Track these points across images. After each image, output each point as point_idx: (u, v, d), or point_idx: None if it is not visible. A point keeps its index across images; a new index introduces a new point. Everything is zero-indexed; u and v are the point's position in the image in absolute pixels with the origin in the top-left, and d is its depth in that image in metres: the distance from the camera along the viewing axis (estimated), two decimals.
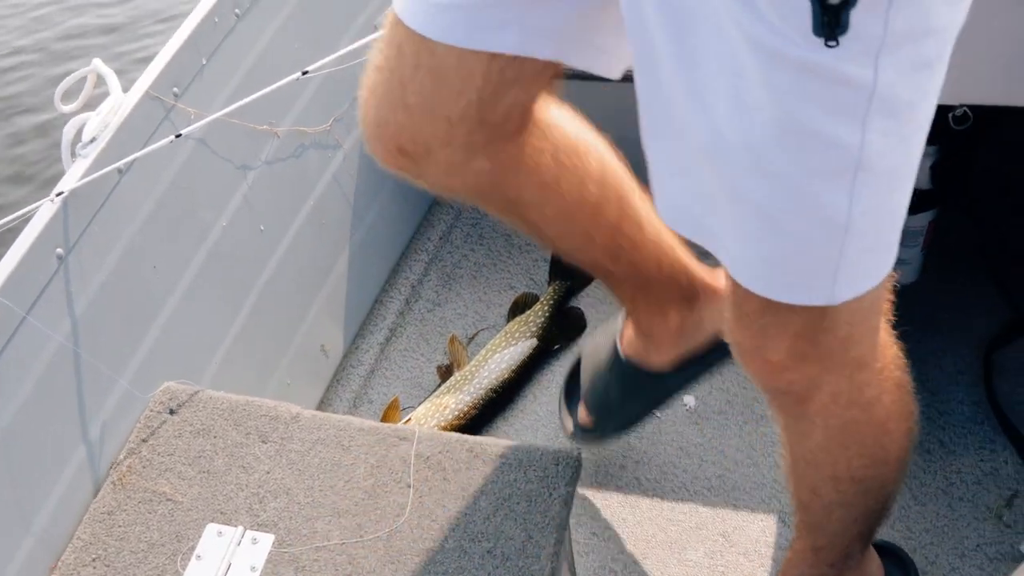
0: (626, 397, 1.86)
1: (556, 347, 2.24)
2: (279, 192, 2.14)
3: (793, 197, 1.04)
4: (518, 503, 1.62)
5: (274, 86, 1.83)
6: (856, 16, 0.89)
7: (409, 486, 1.66)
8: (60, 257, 1.71)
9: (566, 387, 2.04)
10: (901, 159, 1.05)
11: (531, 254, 2.44)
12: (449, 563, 1.56)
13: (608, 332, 1.88)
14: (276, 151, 2.14)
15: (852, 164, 1.00)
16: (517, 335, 2.19)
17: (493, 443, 1.69)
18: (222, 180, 2.03)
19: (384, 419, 2.12)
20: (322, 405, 2.23)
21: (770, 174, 1.03)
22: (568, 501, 1.62)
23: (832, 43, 0.90)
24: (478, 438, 1.70)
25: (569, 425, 1.99)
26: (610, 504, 2.00)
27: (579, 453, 1.66)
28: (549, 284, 2.33)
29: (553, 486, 1.63)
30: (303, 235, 2.19)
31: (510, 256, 2.46)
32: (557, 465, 1.65)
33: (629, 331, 1.81)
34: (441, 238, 2.51)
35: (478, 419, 2.11)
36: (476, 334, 2.31)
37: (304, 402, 2.17)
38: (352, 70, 2.26)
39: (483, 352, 2.19)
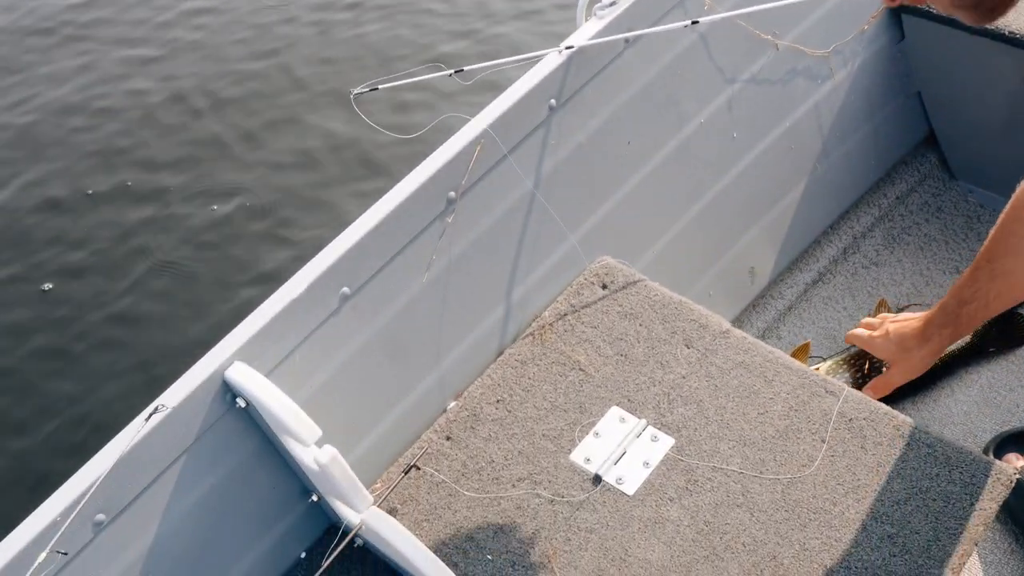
0: None
1: (991, 349, 2.07)
2: (761, 104, 2.07)
3: None
4: (934, 500, 1.50)
5: None
6: None
7: (823, 441, 1.58)
8: (551, 108, 1.73)
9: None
10: None
11: None
12: (844, 531, 1.49)
13: None
14: (770, 63, 2.06)
15: None
16: None
17: (923, 430, 1.58)
18: (713, 77, 1.98)
19: (795, 353, 2.04)
20: (734, 325, 2.17)
21: None
22: (988, 520, 1.49)
23: None
24: (907, 418, 1.59)
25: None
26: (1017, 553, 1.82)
27: (1017, 477, 1.52)
28: None
29: (977, 497, 1.50)
30: (769, 153, 2.11)
31: (966, 239, 2.28)
32: (988, 477, 1.52)
33: None
34: (898, 198, 2.36)
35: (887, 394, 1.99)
36: (907, 307, 2.17)
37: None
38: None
39: None
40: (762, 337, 2.16)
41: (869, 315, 2.13)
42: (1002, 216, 1.60)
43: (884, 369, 1.89)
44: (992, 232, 1.63)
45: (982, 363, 2.05)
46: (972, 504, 1.50)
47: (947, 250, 2.27)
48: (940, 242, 2.28)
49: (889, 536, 1.47)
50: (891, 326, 1.85)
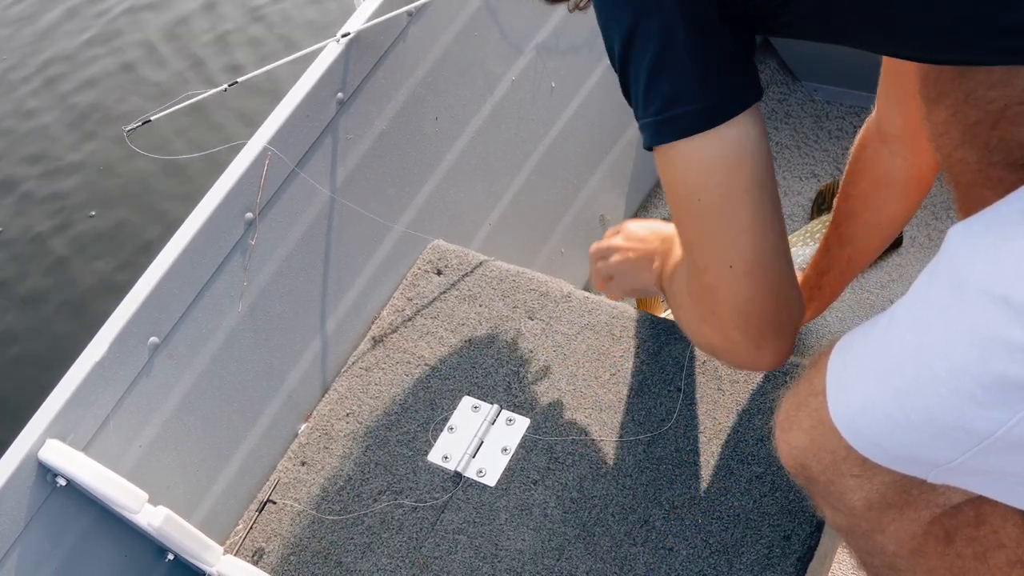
0: None
1: None
2: (574, 46, 1.99)
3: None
4: None
5: None
6: None
7: (679, 390, 1.52)
8: (340, 102, 1.64)
9: None
10: None
11: (842, 141, 2.19)
12: (713, 481, 1.43)
13: None
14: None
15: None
16: (818, 236, 1.95)
17: None
18: (515, 30, 1.89)
19: (641, 304, 1.96)
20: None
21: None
22: None
23: None
24: None
25: None
26: None
27: None
28: None
29: None
30: (595, 95, 2.03)
31: (817, 140, 2.22)
32: None
33: None
34: None
35: None
36: None
37: (576, 274, 2.06)
38: None
39: None
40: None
41: None
42: (841, 180, 1.60)
43: None
44: (835, 199, 1.63)
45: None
46: None
47: (800, 155, 2.21)
48: (792, 148, 2.22)
49: (757, 476, 1.42)
50: None
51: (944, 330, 0.87)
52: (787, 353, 1.23)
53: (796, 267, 1.87)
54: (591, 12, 1.18)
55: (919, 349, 0.89)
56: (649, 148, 1.11)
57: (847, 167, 1.59)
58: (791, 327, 1.22)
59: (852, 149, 1.56)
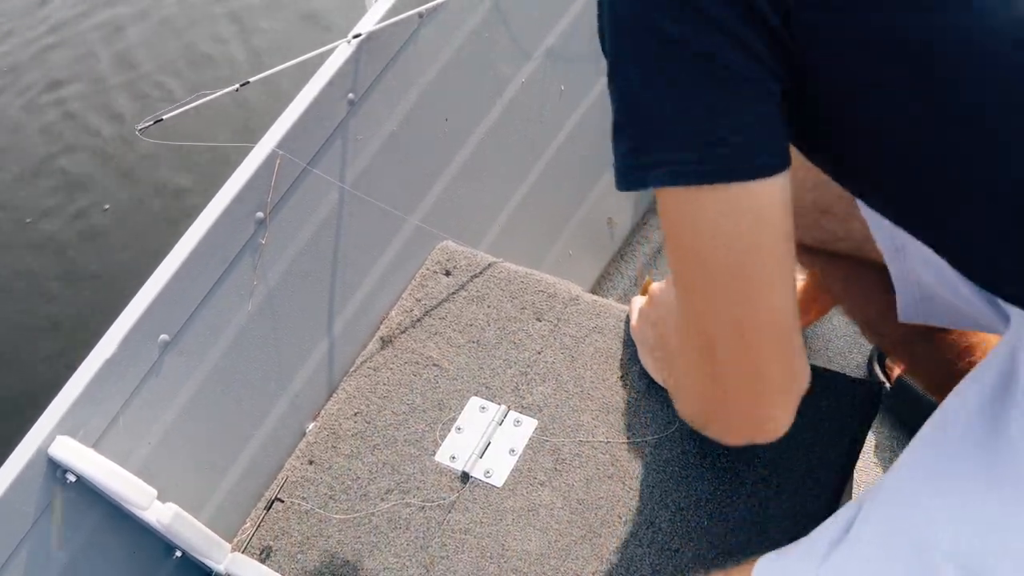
0: None
1: None
2: (584, 50, 1.99)
3: None
4: (803, 432, 1.45)
5: None
6: None
7: None
8: (352, 102, 1.64)
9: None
10: None
11: None
12: (719, 483, 1.44)
13: None
14: (586, 2, 1.98)
15: None
16: None
17: None
18: (525, 33, 1.90)
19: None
20: (601, 280, 2.11)
21: None
22: (859, 440, 1.44)
23: None
24: None
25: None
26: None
27: (880, 388, 1.48)
28: None
29: (845, 421, 1.45)
30: (603, 99, 2.02)
31: None
32: (853, 398, 1.47)
33: None
34: None
35: None
36: None
37: (583, 276, 2.07)
38: None
39: None
40: (635, 285, 2.11)
41: None
42: None
43: None
44: None
45: None
46: (842, 429, 1.45)
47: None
48: None
49: (763, 479, 1.43)
50: None
51: None
52: (789, 424, 1.04)
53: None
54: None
55: None
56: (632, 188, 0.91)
57: None
58: (797, 397, 1.04)
59: None
